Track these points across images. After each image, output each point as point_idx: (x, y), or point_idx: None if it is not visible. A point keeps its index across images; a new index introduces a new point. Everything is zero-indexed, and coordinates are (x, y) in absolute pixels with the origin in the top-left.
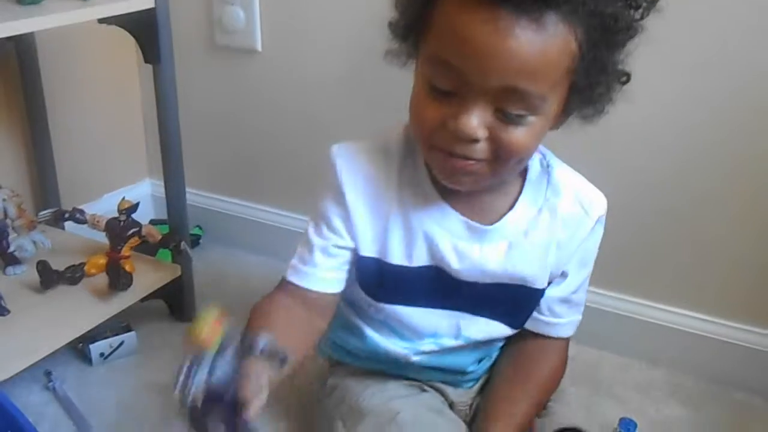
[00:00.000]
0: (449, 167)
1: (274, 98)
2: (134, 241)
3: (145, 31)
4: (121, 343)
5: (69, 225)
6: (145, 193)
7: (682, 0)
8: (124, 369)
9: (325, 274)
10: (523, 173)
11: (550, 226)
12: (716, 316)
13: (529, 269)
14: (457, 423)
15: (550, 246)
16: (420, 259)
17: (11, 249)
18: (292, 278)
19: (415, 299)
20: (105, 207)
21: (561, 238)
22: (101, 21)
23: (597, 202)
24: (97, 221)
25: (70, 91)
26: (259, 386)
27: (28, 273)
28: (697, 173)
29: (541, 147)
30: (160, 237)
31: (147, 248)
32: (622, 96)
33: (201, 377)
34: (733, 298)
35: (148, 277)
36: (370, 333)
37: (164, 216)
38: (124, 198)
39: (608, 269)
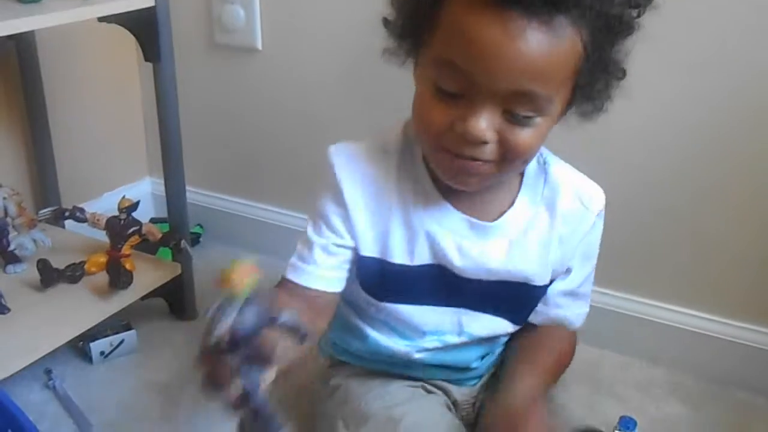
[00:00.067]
0: (456, 168)
1: (274, 97)
2: (134, 239)
3: (145, 29)
4: (122, 342)
5: (69, 223)
6: (145, 192)
7: None
8: (125, 367)
9: (325, 272)
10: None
11: (550, 223)
12: (717, 315)
13: (530, 267)
14: (460, 430)
15: (550, 243)
16: (421, 257)
17: (11, 247)
18: (292, 276)
19: (416, 297)
20: (105, 205)
21: (562, 234)
22: (101, 19)
23: (596, 197)
24: (98, 220)
25: (71, 89)
26: (280, 351)
27: (29, 271)
28: (696, 172)
29: None
30: (160, 235)
31: (147, 247)
32: (622, 94)
33: (227, 320)
34: (733, 297)
35: (148, 275)
36: (371, 333)
37: (164, 214)
38: (124, 196)
39: (608, 268)
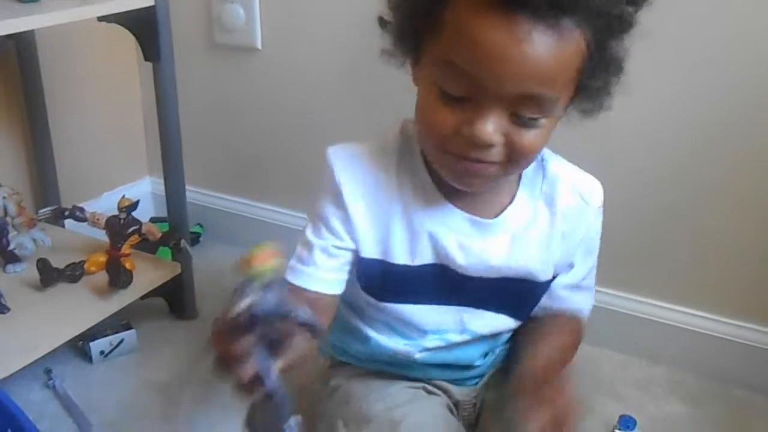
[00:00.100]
0: (462, 170)
1: (273, 96)
2: (134, 239)
3: (144, 29)
4: (121, 341)
5: (69, 223)
6: (145, 191)
7: None
8: (124, 367)
9: (325, 274)
10: None
11: (550, 218)
12: (716, 314)
13: (532, 262)
14: (460, 431)
15: (551, 239)
16: (423, 257)
17: (11, 247)
18: (291, 278)
19: (418, 297)
20: (105, 205)
21: (564, 230)
22: (101, 19)
23: (595, 191)
24: (97, 219)
25: (70, 89)
26: (295, 342)
27: (28, 271)
28: (696, 169)
29: None
30: (160, 235)
31: (147, 246)
32: (622, 92)
33: (248, 299)
34: (733, 295)
35: (148, 275)
36: (372, 334)
37: (164, 214)
38: (124, 196)
39: (608, 267)
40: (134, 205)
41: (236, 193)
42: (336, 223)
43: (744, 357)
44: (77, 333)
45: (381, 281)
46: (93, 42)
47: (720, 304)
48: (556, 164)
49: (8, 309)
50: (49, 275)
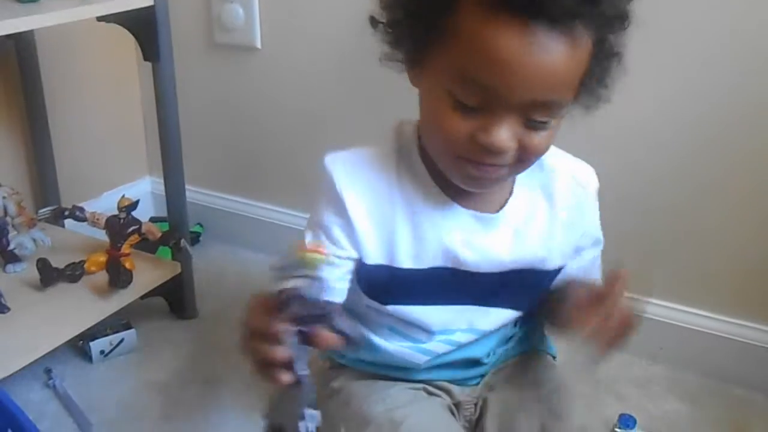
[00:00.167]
0: (474, 175)
1: (273, 95)
2: (134, 238)
3: (144, 28)
4: (121, 341)
5: (69, 223)
6: (144, 191)
7: None
8: (124, 366)
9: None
10: None
11: (550, 207)
12: (716, 312)
13: (537, 252)
14: None
15: (554, 227)
16: (430, 259)
17: (11, 247)
18: None
19: (424, 299)
20: (105, 205)
21: (565, 218)
22: (100, 19)
23: (591, 176)
24: (97, 219)
25: (70, 89)
26: (327, 337)
27: (28, 271)
28: (695, 169)
29: None
30: (160, 234)
31: (147, 246)
32: (622, 92)
33: (295, 281)
34: (732, 294)
35: (148, 274)
36: (376, 340)
37: (164, 213)
38: (123, 196)
39: (607, 266)
40: (134, 205)
41: (236, 192)
42: (337, 232)
43: (743, 355)
44: (77, 333)
45: (386, 286)
46: (92, 42)
47: (719, 303)
48: (550, 153)
49: (8, 309)
50: (49, 275)
